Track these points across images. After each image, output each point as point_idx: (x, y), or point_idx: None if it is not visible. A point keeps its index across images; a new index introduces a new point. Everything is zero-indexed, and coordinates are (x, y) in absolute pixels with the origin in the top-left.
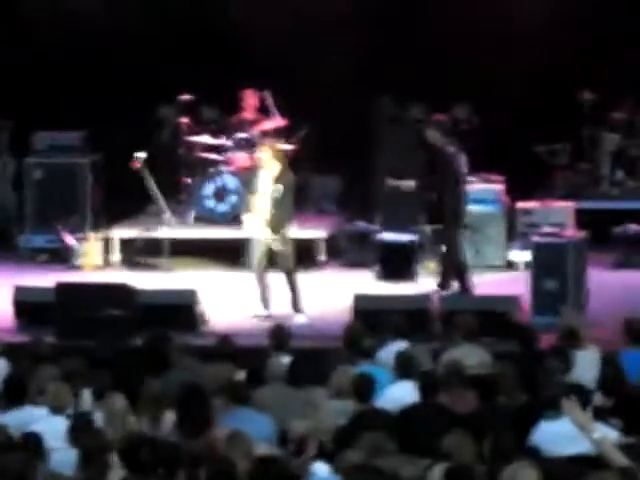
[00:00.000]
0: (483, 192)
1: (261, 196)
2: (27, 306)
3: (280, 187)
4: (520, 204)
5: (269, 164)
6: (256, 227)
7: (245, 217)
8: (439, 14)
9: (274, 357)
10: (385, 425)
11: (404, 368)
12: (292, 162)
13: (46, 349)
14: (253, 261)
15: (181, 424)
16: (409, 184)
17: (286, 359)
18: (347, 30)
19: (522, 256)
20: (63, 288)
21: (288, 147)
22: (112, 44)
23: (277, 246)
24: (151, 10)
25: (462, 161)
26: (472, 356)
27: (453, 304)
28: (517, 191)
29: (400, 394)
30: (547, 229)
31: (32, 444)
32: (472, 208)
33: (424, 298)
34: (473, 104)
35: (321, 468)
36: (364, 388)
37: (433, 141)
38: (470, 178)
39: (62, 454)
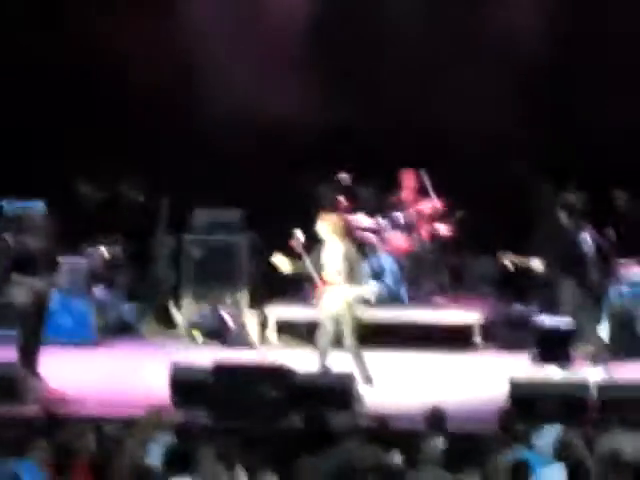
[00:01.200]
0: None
1: (329, 270)
2: (183, 384)
3: (346, 260)
4: None
5: (329, 238)
6: (333, 301)
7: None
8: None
9: (429, 440)
10: None
11: (560, 454)
12: (449, 244)
13: (200, 428)
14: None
15: None
16: (536, 263)
17: (441, 442)
18: (506, 112)
19: None
20: (219, 368)
21: (446, 229)
22: (271, 124)
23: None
24: (306, 92)
25: (590, 244)
26: (629, 443)
27: (610, 391)
28: None
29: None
30: None
31: None
32: (628, 292)
33: (581, 384)
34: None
35: None
36: (520, 473)
37: (563, 222)
38: (625, 260)
39: None
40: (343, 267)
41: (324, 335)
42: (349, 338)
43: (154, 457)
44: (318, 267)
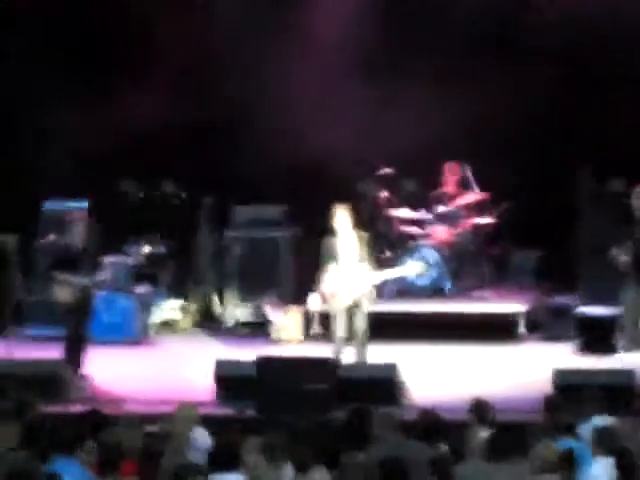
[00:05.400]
0: None
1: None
2: (228, 379)
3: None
4: None
5: (347, 228)
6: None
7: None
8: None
9: (474, 431)
10: None
11: (605, 444)
12: (492, 236)
13: (245, 422)
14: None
15: None
16: (625, 259)
17: (486, 433)
18: (548, 106)
19: None
20: (264, 362)
21: (488, 221)
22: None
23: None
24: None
25: None
26: None
27: None
28: None
29: (600, 471)
30: None
31: None
32: None
33: (627, 373)
34: None
35: None
36: (570, 463)
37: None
38: None
39: None
40: (364, 255)
41: (340, 326)
42: (362, 328)
43: (198, 454)
44: (331, 259)
